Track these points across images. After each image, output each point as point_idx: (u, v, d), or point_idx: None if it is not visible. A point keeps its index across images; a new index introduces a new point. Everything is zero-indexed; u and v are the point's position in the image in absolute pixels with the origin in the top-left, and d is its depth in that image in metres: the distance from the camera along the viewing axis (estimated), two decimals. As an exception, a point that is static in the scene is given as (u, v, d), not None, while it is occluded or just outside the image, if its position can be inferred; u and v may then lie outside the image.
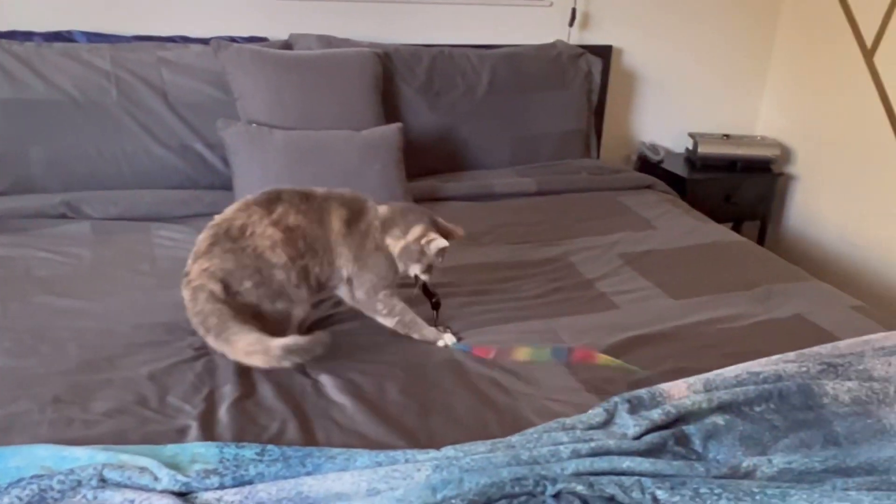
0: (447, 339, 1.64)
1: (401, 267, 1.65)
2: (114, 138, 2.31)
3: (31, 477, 1.14)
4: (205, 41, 2.46)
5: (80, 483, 1.14)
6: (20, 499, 1.11)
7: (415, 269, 1.65)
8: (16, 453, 1.20)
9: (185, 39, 2.53)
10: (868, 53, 2.94)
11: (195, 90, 2.40)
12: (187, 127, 2.38)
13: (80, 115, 2.28)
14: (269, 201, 1.58)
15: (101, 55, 2.34)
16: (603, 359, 1.58)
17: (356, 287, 1.65)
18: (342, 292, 1.68)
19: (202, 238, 1.56)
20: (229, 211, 1.59)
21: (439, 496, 1.13)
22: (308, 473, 1.21)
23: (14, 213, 2.11)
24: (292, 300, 1.56)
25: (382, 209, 1.68)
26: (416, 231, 1.62)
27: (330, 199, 1.63)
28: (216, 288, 1.49)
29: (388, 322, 1.67)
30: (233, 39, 2.51)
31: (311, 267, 1.58)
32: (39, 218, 2.11)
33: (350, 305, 1.70)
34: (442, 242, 1.61)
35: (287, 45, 2.59)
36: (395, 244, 1.63)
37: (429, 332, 1.66)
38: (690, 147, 3.22)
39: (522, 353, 1.42)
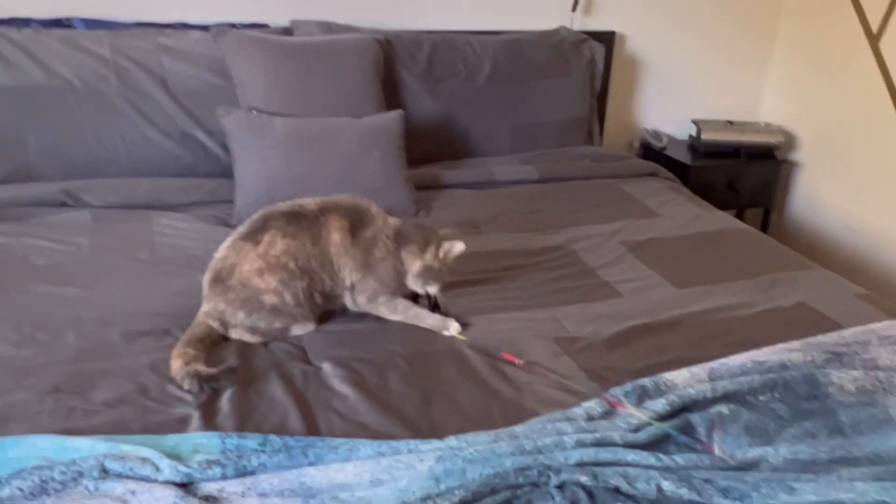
0: (452, 328, 1.64)
1: (418, 284, 1.67)
2: (113, 126, 2.29)
3: (32, 468, 1.13)
4: (205, 27, 2.44)
5: (81, 474, 1.13)
6: (21, 490, 1.10)
7: (433, 288, 1.68)
8: (16, 444, 1.19)
9: (185, 26, 2.50)
10: (874, 39, 2.91)
11: (195, 77, 2.38)
12: (187, 114, 2.36)
13: (78, 102, 2.26)
14: (256, 231, 1.60)
15: (99, 42, 2.32)
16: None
17: (358, 292, 1.66)
18: (345, 298, 1.69)
19: (205, 279, 1.61)
20: (222, 248, 1.62)
21: (443, 486, 1.13)
22: (310, 464, 1.20)
23: (13, 202, 2.10)
24: (294, 318, 1.60)
25: (393, 220, 1.69)
26: (433, 249, 1.65)
27: (327, 212, 1.64)
28: (216, 325, 1.57)
29: (393, 318, 1.68)
30: (233, 26, 2.49)
31: (310, 285, 1.60)
32: (39, 206, 2.10)
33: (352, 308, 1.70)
34: (461, 245, 1.65)
35: (288, 31, 2.56)
36: (412, 260, 1.65)
37: (433, 320, 1.66)
38: (694, 134, 3.19)
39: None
